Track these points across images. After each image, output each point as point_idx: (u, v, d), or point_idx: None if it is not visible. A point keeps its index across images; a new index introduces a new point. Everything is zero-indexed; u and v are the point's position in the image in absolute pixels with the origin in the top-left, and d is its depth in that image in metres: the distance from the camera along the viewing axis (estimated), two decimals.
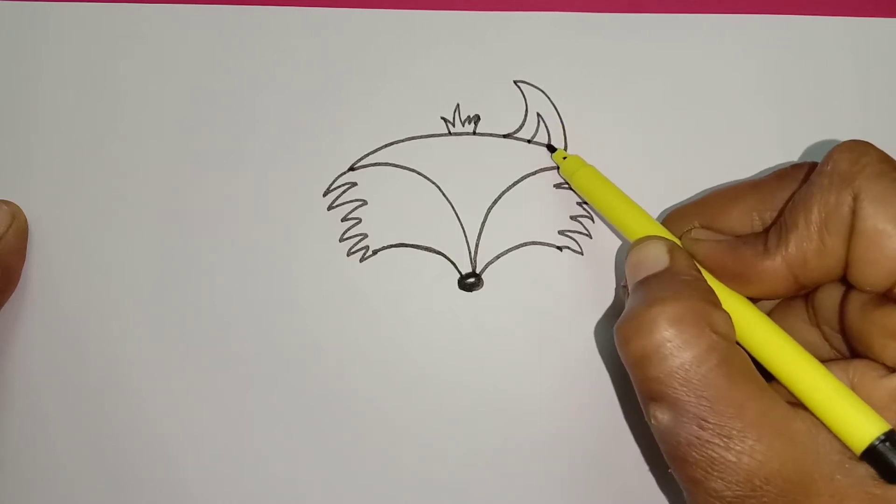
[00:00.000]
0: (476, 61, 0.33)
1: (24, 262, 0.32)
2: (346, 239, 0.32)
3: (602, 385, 0.31)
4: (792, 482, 0.22)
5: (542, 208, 0.32)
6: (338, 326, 0.31)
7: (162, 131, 0.33)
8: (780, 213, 0.26)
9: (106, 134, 0.33)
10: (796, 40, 0.33)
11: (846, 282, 0.24)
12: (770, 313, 0.27)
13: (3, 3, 0.33)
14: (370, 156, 0.32)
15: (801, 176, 0.26)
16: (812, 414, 0.23)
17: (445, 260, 0.32)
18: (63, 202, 0.32)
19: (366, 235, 0.32)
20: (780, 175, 0.27)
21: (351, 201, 0.32)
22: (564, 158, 0.31)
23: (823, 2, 0.33)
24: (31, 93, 0.33)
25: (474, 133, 0.33)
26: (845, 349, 0.26)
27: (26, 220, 0.32)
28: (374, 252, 0.32)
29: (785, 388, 0.24)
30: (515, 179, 0.32)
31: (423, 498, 0.31)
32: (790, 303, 0.27)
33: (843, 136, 0.32)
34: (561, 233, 0.32)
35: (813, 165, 0.26)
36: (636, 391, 0.24)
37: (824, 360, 0.24)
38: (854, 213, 0.23)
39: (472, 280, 0.32)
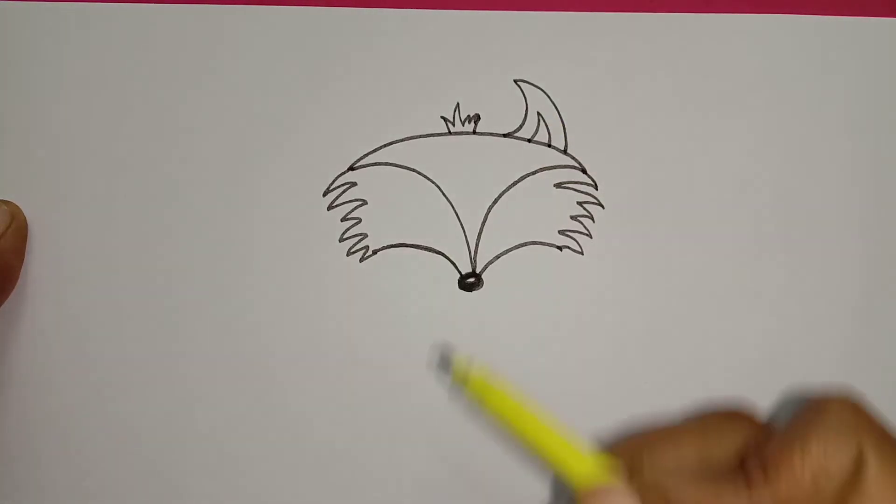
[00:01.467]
0: (476, 60, 0.33)
1: (23, 262, 0.32)
2: (346, 239, 0.32)
3: (601, 384, 0.31)
4: None
5: (543, 208, 0.32)
6: (338, 326, 0.31)
7: (161, 131, 0.33)
8: (741, 457, 0.25)
9: (105, 134, 0.33)
10: (796, 40, 0.33)
11: None
12: None
13: (3, 3, 0.33)
14: (370, 155, 0.32)
15: (752, 423, 0.26)
16: None
17: (445, 260, 0.32)
18: (62, 202, 0.32)
19: (366, 235, 0.32)
20: (728, 417, 0.26)
21: (351, 201, 0.32)
22: (468, 378, 0.28)
23: (823, 2, 0.33)
24: (30, 92, 0.33)
25: (474, 132, 0.33)
26: None
27: (26, 219, 0.32)
28: (374, 252, 0.32)
29: None
30: (515, 179, 0.32)
31: (422, 495, 0.31)
32: None
33: (843, 137, 0.33)
34: (561, 233, 0.32)
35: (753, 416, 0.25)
36: None
37: None
38: (858, 470, 0.21)
39: (472, 280, 0.32)
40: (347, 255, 0.32)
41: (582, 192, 0.32)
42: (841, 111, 0.33)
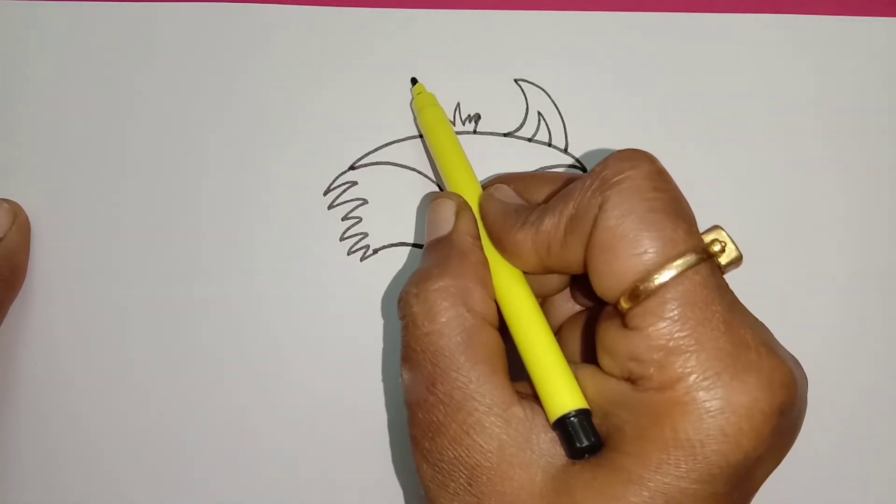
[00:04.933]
0: (477, 60, 0.33)
1: (28, 259, 0.32)
2: (347, 238, 0.32)
3: None
4: (489, 459, 0.23)
5: None
6: (338, 325, 0.31)
7: (162, 130, 0.33)
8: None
9: (106, 133, 0.33)
10: (796, 40, 0.33)
11: None
12: (567, 320, 0.28)
13: (2, 3, 0.33)
14: (371, 155, 0.32)
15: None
16: (540, 405, 0.24)
17: None
18: (62, 201, 0.32)
19: (366, 234, 0.32)
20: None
21: (351, 200, 0.32)
22: (419, 94, 0.32)
23: (823, 2, 0.33)
24: (30, 92, 0.33)
25: (475, 132, 0.33)
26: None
27: (28, 217, 0.32)
28: (375, 251, 0.32)
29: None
30: None
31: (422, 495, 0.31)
32: (580, 314, 0.28)
33: (843, 136, 0.33)
34: None
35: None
36: None
37: (580, 362, 0.25)
38: (595, 221, 0.23)
39: None
40: (348, 254, 0.32)
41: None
42: (840, 111, 0.33)
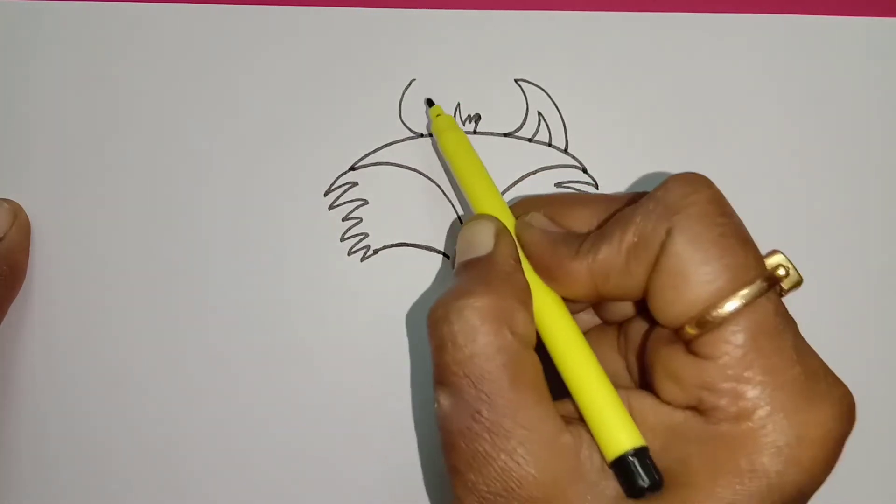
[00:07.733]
0: (477, 60, 0.33)
1: (28, 259, 0.32)
2: (347, 238, 0.32)
3: None
4: (543, 491, 0.22)
5: None
6: (338, 326, 0.31)
7: (162, 130, 0.33)
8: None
9: (106, 134, 0.33)
10: (796, 40, 0.33)
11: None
12: (586, 334, 0.27)
13: (3, 3, 0.33)
14: (371, 155, 0.32)
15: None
16: (586, 431, 0.23)
17: (446, 259, 0.32)
18: (62, 201, 0.32)
19: (367, 235, 0.32)
20: (638, 196, 0.27)
21: (352, 201, 0.32)
22: (438, 115, 0.31)
23: (823, 2, 0.33)
24: (30, 92, 0.33)
25: (475, 132, 0.33)
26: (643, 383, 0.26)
27: (28, 217, 0.32)
28: (375, 251, 0.32)
29: (573, 404, 0.24)
30: (516, 178, 0.32)
31: (422, 495, 0.31)
32: (604, 329, 0.27)
33: (843, 137, 0.33)
34: None
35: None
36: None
37: (619, 388, 0.24)
38: (663, 247, 0.22)
39: None
40: (348, 254, 0.32)
41: (582, 191, 0.32)
42: (841, 111, 0.33)
